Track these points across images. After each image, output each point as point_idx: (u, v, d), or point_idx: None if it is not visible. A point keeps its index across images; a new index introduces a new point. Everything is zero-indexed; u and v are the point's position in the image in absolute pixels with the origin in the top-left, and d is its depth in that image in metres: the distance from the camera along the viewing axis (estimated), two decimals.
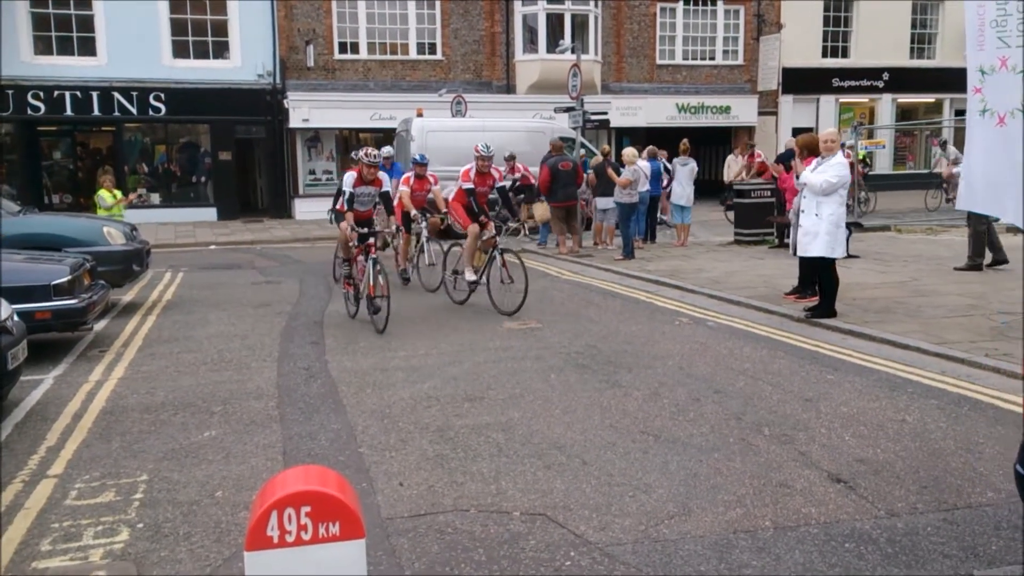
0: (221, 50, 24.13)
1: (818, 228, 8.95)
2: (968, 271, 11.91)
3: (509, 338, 8.71)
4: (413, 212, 11.56)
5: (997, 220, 12.90)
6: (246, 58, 23.96)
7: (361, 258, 9.76)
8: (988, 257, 12.28)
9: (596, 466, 5.05)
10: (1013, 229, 13.09)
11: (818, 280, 9.34)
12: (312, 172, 25.48)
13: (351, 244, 9.73)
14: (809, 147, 10.01)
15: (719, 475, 4.90)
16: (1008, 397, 6.31)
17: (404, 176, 12.26)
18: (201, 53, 23.91)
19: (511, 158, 16.31)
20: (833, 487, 4.70)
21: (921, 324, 8.60)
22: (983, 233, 12.17)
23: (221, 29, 24.05)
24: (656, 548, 3.99)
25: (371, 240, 9.56)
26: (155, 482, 4.89)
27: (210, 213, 24.33)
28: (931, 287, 10.78)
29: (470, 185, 10.61)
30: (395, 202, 11.26)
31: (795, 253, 9.66)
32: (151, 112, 23.45)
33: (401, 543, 4.06)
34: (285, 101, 24.12)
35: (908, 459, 5.11)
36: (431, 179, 12.17)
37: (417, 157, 12.48)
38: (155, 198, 24.48)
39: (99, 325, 9.55)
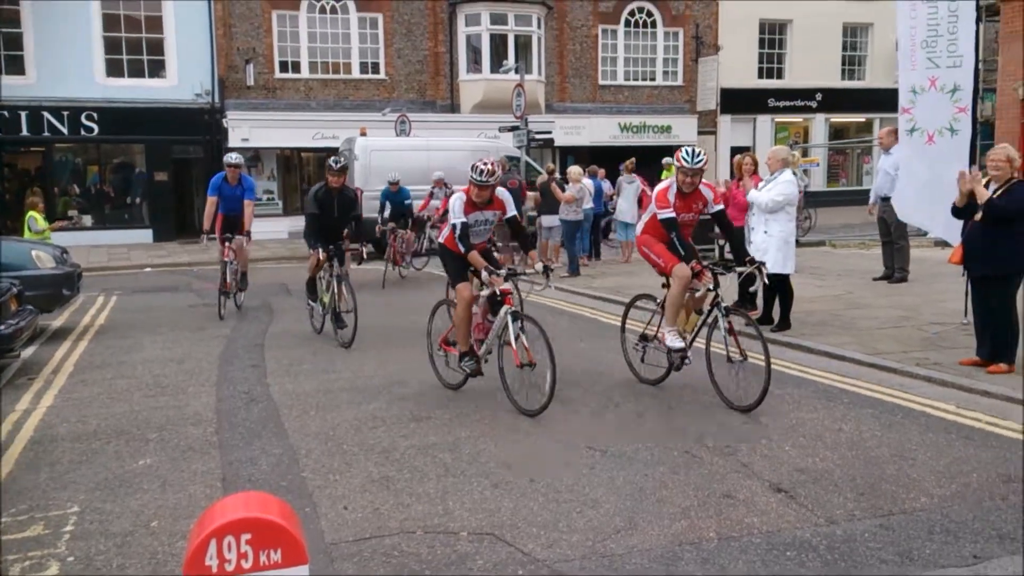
0: (157, 69, 23.74)
1: (768, 245, 9.13)
2: (896, 283, 12.25)
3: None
4: (440, 243, 7.93)
5: (925, 235, 13.33)
6: (183, 77, 23.58)
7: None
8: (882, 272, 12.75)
9: (543, 483, 5.04)
10: (942, 243, 13.50)
11: (773, 295, 9.50)
12: None
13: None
14: (751, 168, 10.25)
15: (665, 488, 4.93)
16: (939, 405, 6.48)
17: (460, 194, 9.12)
18: (136, 72, 23.48)
19: (440, 180, 16.13)
20: (775, 497, 4.77)
21: (855, 336, 8.80)
22: (904, 248, 12.57)
23: (157, 47, 23.66)
24: (603, 563, 3.98)
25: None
26: (87, 513, 4.74)
27: (145, 235, 23.84)
28: (865, 300, 11.04)
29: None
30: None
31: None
32: (83, 132, 22.92)
33: (346, 568, 3.99)
34: (224, 120, 23.79)
35: (845, 467, 5.21)
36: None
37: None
38: (87, 220, 23.89)
39: (27, 352, 9.25)
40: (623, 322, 7.88)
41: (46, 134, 22.66)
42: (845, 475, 5.08)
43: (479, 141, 21.61)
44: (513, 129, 18.84)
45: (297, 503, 4.70)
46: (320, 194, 9.58)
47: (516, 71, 21.16)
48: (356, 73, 25.81)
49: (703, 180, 6.96)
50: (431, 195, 16.01)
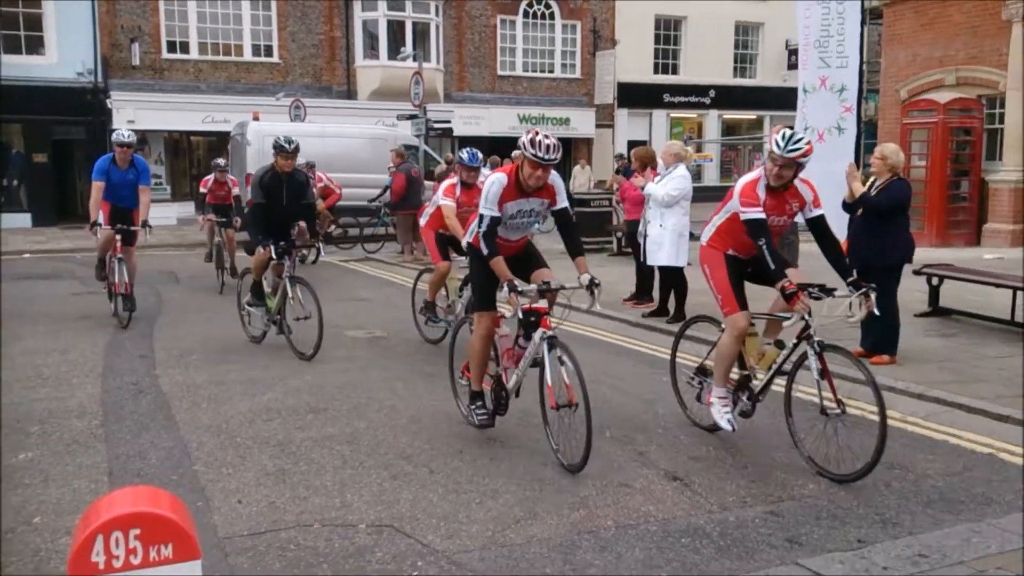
0: (35, 45, 22.53)
1: (663, 238, 9.34)
2: None
3: (354, 347, 8.56)
4: (465, 243, 7.58)
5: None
6: (64, 54, 22.43)
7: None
8: None
9: (443, 474, 5.03)
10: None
11: (668, 288, 9.70)
12: None
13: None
14: (644, 160, 10.41)
15: (564, 478, 4.99)
16: (825, 394, 6.74)
17: (447, 185, 8.47)
18: (12, 48, 22.20)
19: (311, 166, 15.11)
20: (670, 485, 4.88)
21: None
22: (795, 243, 13.05)
23: (35, 23, 22.44)
24: (503, 553, 4.00)
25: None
26: None
27: (23, 219, 22.62)
28: (756, 292, 11.38)
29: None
30: (423, 222, 8.76)
31: (645, 262, 9.98)
32: None
33: (240, 562, 3.89)
34: (108, 101, 22.79)
35: (738, 456, 5.38)
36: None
37: (465, 157, 8.44)
38: None
39: None
40: (673, 353, 6.39)
41: None
42: (737, 463, 5.25)
43: (377, 129, 21.36)
44: (411, 118, 18.69)
45: (189, 498, 4.55)
46: (267, 179, 8.25)
47: (414, 58, 20.99)
48: (248, 55, 25.15)
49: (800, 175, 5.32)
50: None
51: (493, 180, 5.32)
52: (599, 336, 9.10)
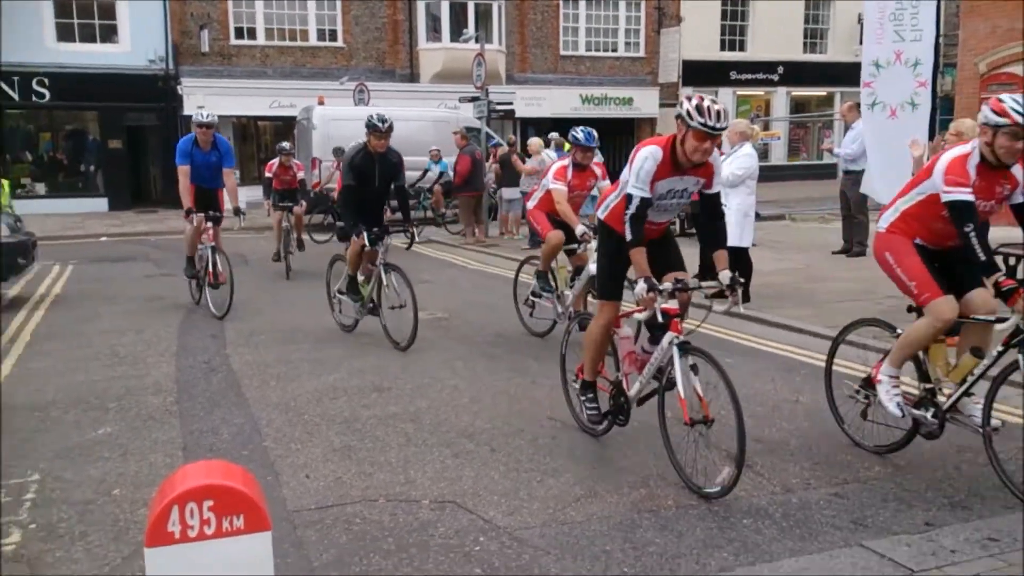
0: (109, 33, 23.19)
1: (728, 218, 9.19)
2: (854, 257, 12.46)
3: (378, 320, 8.66)
4: (580, 229, 7.38)
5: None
6: (136, 42, 23.06)
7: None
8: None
9: (504, 453, 5.09)
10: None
11: (731, 269, 9.58)
12: None
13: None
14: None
15: (624, 458, 5.00)
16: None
17: (557, 167, 7.76)
18: (88, 36, 22.92)
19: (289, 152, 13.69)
20: (732, 466, 4.84)
21: (814, 309, 8.94)
22: (863, 223, 12.76)
23: (109, 12, 23.10)
24: (563, 530, 4.04)
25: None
26: (47, 482, 4.69)
27: (100, 203, 23.40)
28: (823, 273, 11.22)
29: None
30: (531, 206, 8.21)
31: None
32: (34, 98, 22.36)
33: (308, 535, 4.01)
34: (179, 88, 23.36)
35: (802, 437, 5.32)
36: (597, 170, 7.88)
37: (581, 136, 7.60)
38: (41, 188, 23.36)
39: None
40: (829, 362, 5.54)
41: None
42: (801, 445, 5.20)
43: (439, 112, 21.46)
44: (473, 100, 18.69)
45: (259, 472, 4.69)
46: (358, 160, 7.77)
47: (476, 40, 20.98)
48: (313, 40, 25.46)
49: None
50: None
51: (646, 155, 4.52)
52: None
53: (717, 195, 4.84)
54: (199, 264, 9.72)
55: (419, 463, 4.93)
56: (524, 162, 15.22)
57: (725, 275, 4.65)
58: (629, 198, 4.55)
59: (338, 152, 15.58)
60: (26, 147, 23.60)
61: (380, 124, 7.72)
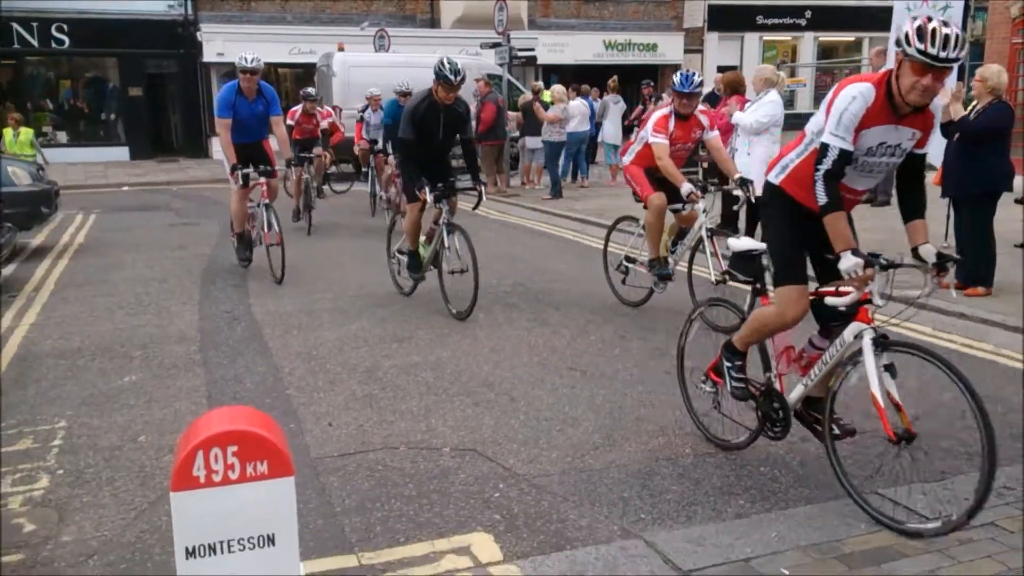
0: None
1: (749, 167, 9.10)
2: (879, 207, 12.31)
3: (434, 278, 8.69)
4: (687, 188, 6.58)
5: None
6: None
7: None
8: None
9: (524, 402, 5.13)
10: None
11: (755, 218, 9.50)
12: None
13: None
14: (732, 85, 10.10)
15: (643, 407, 5.03)
16: (915, 327, 6.57)
17: (658, 117, 6.80)
18: None
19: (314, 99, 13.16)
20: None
21: None
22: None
23: None
24: (582, 477, 4.09)
25: None
26: (74, 428, 4.79)
27: (122, 152, 23.46)
28: None
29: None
30: (627, 161, 7.24)
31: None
32: (54, 44, 22.30)
33: (331, 481, 4.08)
34: (198, 34, 23.20)
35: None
36: (703, 119, 7.04)
37: (678, 80, 6.74)
38: (62, 136, 23.44)
39: (7, 269, 9.18)
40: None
41: (16, 46, 22.03)
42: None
43: (460, 57, 21.14)
44: (495, 46, 18.44)
45: (282, 420, 4.77)
46: (422, 110, 6.95)
47: None
48: None
49: None
50: (361, 119, 13.41)
51: (853, 94, 3.49)
52: (681, 268, 9.00)
53: (923, 156, 3.80)
54: (252, 228, 8.85)
55: (440, 412, 4.98)
56: (547, 110, 15.05)
57: (929, 250, 3.73)
58: (824, 149, 3.53)
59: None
60: (46, 95, 23.61)
61: (452, 77, 6.76)
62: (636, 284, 7.38)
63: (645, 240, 7.22)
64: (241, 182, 8.38)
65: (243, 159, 8.32)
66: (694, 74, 6.82)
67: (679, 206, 7.01)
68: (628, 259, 7.46)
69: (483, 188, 7.22)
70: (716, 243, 6.74)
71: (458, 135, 7.29)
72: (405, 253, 7.64)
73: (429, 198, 7.01)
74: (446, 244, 7.08)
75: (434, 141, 7.09)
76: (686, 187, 6.58)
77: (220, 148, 8.66)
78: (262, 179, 8.47)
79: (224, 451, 2.34)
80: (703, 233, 6.83)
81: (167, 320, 7.14)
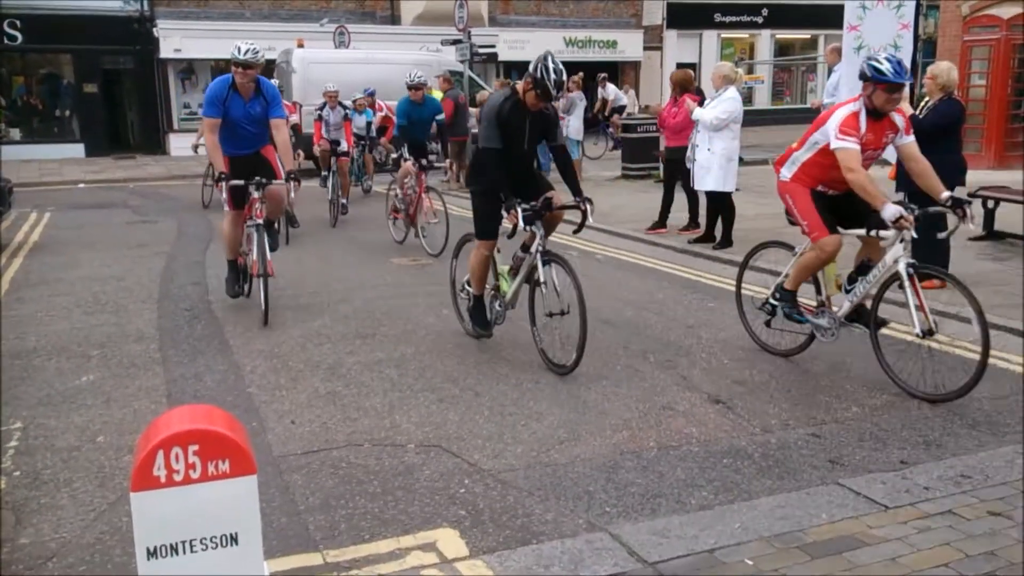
0: None
1: (711, 163, 9.20)
2: None
3: (400, 274, 8.67)
4: (892, 211, 4.89)
5: None
6: None
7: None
8: None
9: (489, 397, 5.13)
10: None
11: (715, 214, 9.59)
12: (187, 106, 24.34)
13: None
14: (682, 84, 10.18)
15: (607, 401, 5.06)
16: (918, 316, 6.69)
17: (845, 115, 5.13)
18: None
19: (372, 94, 14.81)
20: (712, 408, 4.93)
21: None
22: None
23: None
24: (547, 472, 4.10)
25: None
26: (31, 429, 4.69)
27: (77, 149, 23.02)
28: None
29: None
30: (787, 175, 5.59)
31: (694, 187, 9.85)
32: (6, 40, 21.82)
33: (295, 479, 4.04)
34: (155, 30, 22.85)
35: (781, 379, 5.39)
36: (899, 120, 5.30)
37: (887, 68, 4.98)
38: (15, 134, 22.95)
39: None
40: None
41: None
42: (781, 387, 5.27)
43: (421, 54, 21.13)
44: (456, 43, 18.42)
45: (244, 418, 4.71)
46: (506, 110, 5.58)
47: None
48: None
49: None
50: (320, 118, 12.96)
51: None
52: (641, 262, 9.09)
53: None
54: (245, 252, 7.25)
55: (404, 408, 4.96)
56: None
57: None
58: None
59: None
60: None
61: (555, 91, 5.44)
62: (789, 328, 5.83)
63: (793, 270, 5.70)
64: (227, 196, 6.93)
65: (238, 174, 6.85)
66: (901, 60, 5.21)
67: (862, 231, 5.33)
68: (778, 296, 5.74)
69: (589, 206, 5.67)
70: (918, 287, 5.00)
71: (546, 140, 5.89)
72: (468, 297, 6.31)
73: (519, 220, 5.45)
74: (541, 279, 5.56)
75: (517, 150, 5.71)
76: (891, 210, 4.86)
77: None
78: (257, 194, 6.83)
79: (185, 450, 2.30)
80: (902, 270, 5.00)
81: (125, 319, 7.03)
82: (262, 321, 6.73)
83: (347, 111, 13.12)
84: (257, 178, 6.81)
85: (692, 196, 10.19)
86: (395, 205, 10.44)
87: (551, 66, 5.38)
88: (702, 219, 9.98)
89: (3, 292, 8.08)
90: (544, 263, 5.54)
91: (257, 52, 6.81)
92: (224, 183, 6.88)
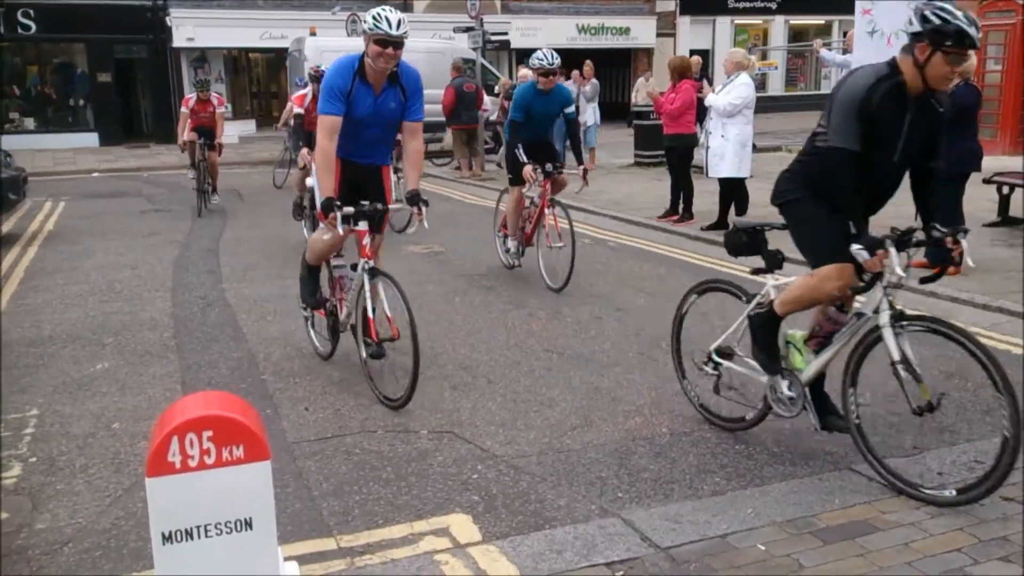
0: None
1: (725, 149, 9.15)
2: None
3: (412, 262, 8.67)
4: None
5: None
6: None
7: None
8: None
9: (502, 384, 5.14)
10: None
11: (728, 200, 9.55)
12: None
13: None
14: (679, 71, 10.10)
15: (620, 388, 5.05)
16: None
17: None
18: None
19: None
20: (727, 394, 4.90)
21: None
22: None
23: None
24: (560, 458, 4.11)
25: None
26: (47, 416, 4.73)
27: (91, 138, 23.14)
28: None
29: None
30: None
31: (707, 175, 9.81)
32: (20, 30, 21.90)
33: (308, 465, 4.07)
34: (168, 19, 22.89)
35: None
36: None
37: None
38: (30, 123, 23.07)
39: None
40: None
41: None
42: None
43: (433, 42, 21.09)
44: (468, 30, 18.34)
45: (258, 405, 4.73)
46: (880, 95, 3.67)
47: None
48: None
49: None
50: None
51: None
52: (654, 249, 9.07)
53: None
54: (338, 299, 5.45)
55: (417, 395, 4.95)
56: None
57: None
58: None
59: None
60: (13, 81, 23.21)
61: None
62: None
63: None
64: (335, 229, 4.85)
65: (347, 189, 4.99)
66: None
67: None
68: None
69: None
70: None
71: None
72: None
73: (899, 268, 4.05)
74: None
75: (884, 159, 4.37)
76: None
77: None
78: (361, 227, 4.90)
79: (199, 436, 2.32)
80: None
81: (139, 307, 7.07)
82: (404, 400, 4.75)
83: None
84: (376, 205, 4.99)
85: (687, 183, 10.13)
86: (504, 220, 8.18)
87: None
88: (708, 208, 9.93)
89: (18, 280, 8.13)
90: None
91: (398, 21, 4.74)
92: (335, 213, 4.73)
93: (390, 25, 4.68)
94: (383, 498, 3.72)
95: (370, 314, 4.84)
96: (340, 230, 4.86)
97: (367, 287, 4.91)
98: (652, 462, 4.06)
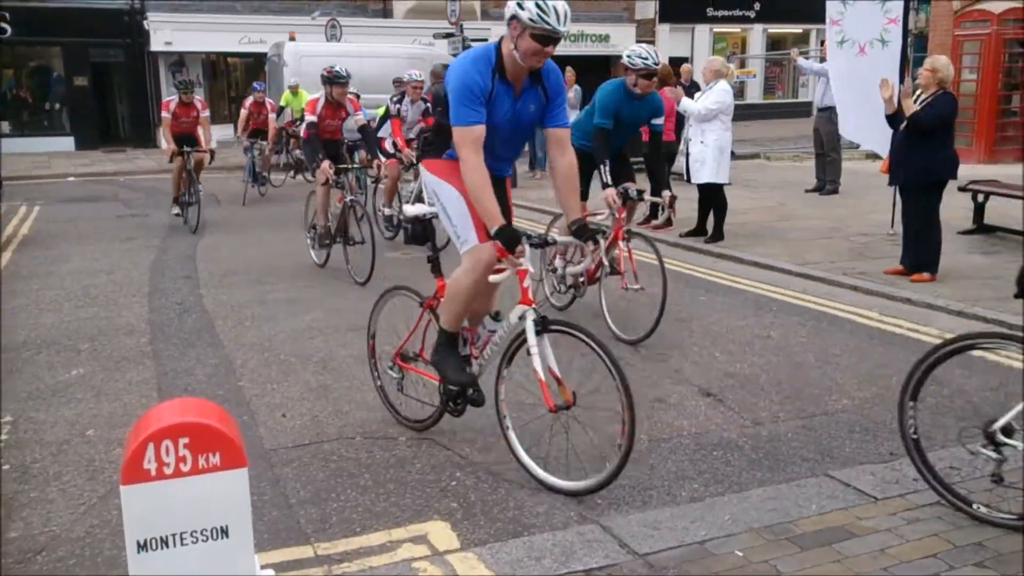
0: None
1: (705, 155, 9.20)
2: (827, 195, 12.52)
3: (392, 269, 8.64)
4: None
5: (858, 147, 13.57)
6: None
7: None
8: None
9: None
10: (873, 155, 13.77)
11: (707, 207, 9.60)
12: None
13: None
14: (661, 78, 10.14)
15: (598, 393, 5.04)
16: (863, 312, 6.73)
17: None
18: None
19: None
20: (703, 400, 4.94)
21: (786, 246, 9.01)
22: (836, 161, 12.82)
23: None
24: (539, 464, 4.09)
25: None
26: (20, 423, 4.67)
27: (67, 142, 22.92)
28: (796, 212, 11.28)
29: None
30: None
31: (689, 180, 9.85)
32: None
33: (285, 472, 4.04)
34: (145, 22, 22.73)
35: (772, 372, 5.41)
36: None
37: None
38: (5, 127, 22.83)
39: None
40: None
41: None
42: (771, 379, 5.28)
43: (413, 48, 21.08)
44: (448, 36, 18.40)
45: (235, 412, 4.70)
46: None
47: None
48: None
49: None
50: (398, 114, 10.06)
51: None
52: (636, 257, 9.07)
53: None
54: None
55: (396, 402, 4.95)
56: None
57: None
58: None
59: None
60: None
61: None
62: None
63: None
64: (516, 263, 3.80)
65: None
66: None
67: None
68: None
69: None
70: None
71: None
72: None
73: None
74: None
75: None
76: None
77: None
78: (524, 264, 3.82)
79: (175, 443, 2.30)
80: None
81: (116, 312, 7.01)
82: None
83: (427, 104, 10.15)
84: (550, 236, 4.46)
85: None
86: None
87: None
88: (687, 215, 9.98)
89: None
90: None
91: (566, 12, 3.98)
92: (523, 246, 3.77)
93: (559, 19, 3.89)
94: (361, 505, 3.70)
95: (540, 376, 3.87)
96: (530, 267, 3.84)
97: (532, 342, 3.85)
98: (631, 468, 4.04)
